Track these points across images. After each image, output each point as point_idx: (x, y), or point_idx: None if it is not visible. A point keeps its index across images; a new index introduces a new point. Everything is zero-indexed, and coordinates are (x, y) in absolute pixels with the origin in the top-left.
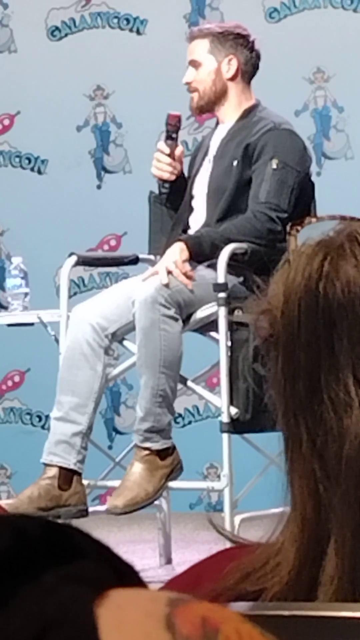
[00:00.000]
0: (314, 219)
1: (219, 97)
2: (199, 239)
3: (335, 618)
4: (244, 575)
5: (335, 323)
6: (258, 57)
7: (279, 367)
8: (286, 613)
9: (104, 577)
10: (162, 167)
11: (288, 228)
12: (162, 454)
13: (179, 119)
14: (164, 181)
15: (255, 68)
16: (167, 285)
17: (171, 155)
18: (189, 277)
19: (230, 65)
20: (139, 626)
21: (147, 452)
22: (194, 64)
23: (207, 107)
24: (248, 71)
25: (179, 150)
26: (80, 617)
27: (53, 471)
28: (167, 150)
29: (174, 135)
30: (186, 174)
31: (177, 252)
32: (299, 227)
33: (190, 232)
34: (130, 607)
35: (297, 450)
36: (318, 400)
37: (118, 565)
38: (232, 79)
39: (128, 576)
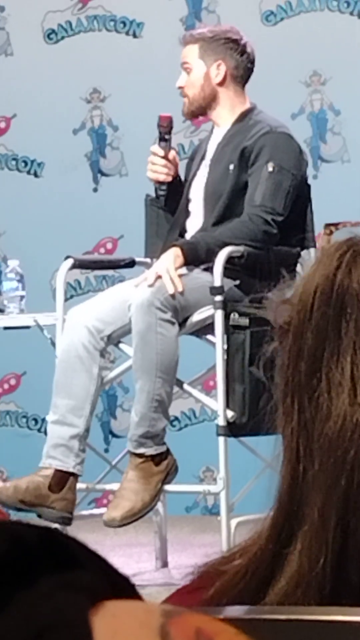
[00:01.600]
0: (349, 223)
1: (208, 102)
2: (195, 244)
3: (331, 622)
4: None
5: (346, 310)
6: (251, 60)
7: (287, 349)
8: (283, 617)
9: (100, 587)
10: (158, 170)
11: (322, 227)
12: (157, 459)
13: (170, 119)
14: (161, 183)
15: (249, 71)
16: (158, 288)
17: (165, 156)
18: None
19: (218, 70)
20: (134, 636)
21: (141, 459)
22: (186, 68)
23: (198, 112)
24: (240, 75)
25: (171, 154)
26: (75, 623)
27: (48, 472)
28: (161, 153)
29: (166, 137)
30: (183, 177)
31: (172, 258)
32: (332, 228)
33: (187, 235)
34: (125, 617)
35: (287, 427)
36: (317, 379)
37: (114, 577)
38: (221, 84)
39: (123, 588)
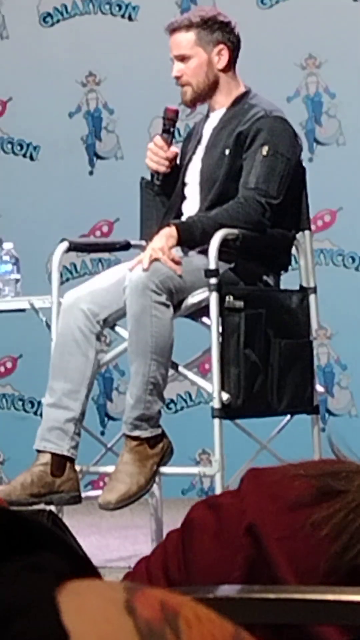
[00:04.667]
0: None
1: (212, 88)
2: (190, 225)
3: (320, 601)
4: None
5: None
6: (239, 40)
7: None
8: (272, 596)
9: (63, 568)
10: (159, 161)
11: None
12: (152, 442)
13: (177, 113)
14: (158, 173)
15: (239, 53)
16: (153, 271)
17: (167, 148)
18: (176, 263)
19: (220, 56)
20: (100, 611)
21: (136, 442)
22: (181, 58)
23: (201, 99)
24: (235, 58)
25: (171, 151)
26: (42, 604)
27: (46, 458)
28: (164, 145)
29: (171, 129)
30: (178, 161)
31: (165, 238)
32: None
33: (183, 219)
34: (90, 594)
35: None
36: None
37: (75, 558)
38: (224, 69)
39: (85, 568)
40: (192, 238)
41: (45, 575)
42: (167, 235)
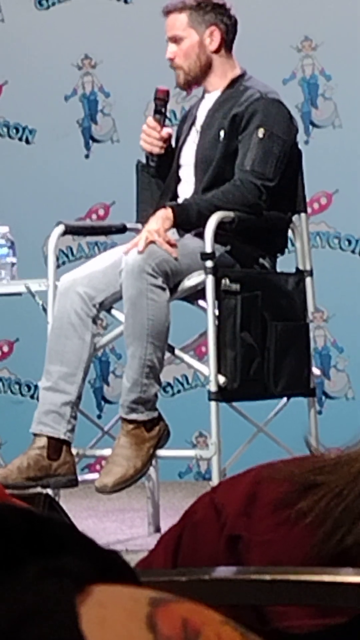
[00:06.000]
0: None
1: (204, 70)
2: (186, 207)
3: (316, 583)
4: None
5: None
6: (236, 23)
7: None
8: (268, 578)
9: (86, 572)
10: (152, 142)
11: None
12: (148, 425)
13: (167, 93)
14: (153, 155)
15: (235, 35)
16: (149, 254)
17: (160, 129)
18: (172, 245)
19: (212, 37)
20: (122, 626)
21: (133, 425)
22: (175, 39)
23: (194, 81)
24: (230, 40)
25: (165, 131)
26: (60, 608)
27: (42, 441)
28: (157, 125)
29: (162, 110)
30: (173, 143)
31: (160, 220)
32: None
33: (179, 201)
34: (112, 605)
35: None
36: None
37: (101, 558)
38: (217, 50)
39: (111, 568)
40: (187, 220)
41: (65, 579)
42: (162, 217)
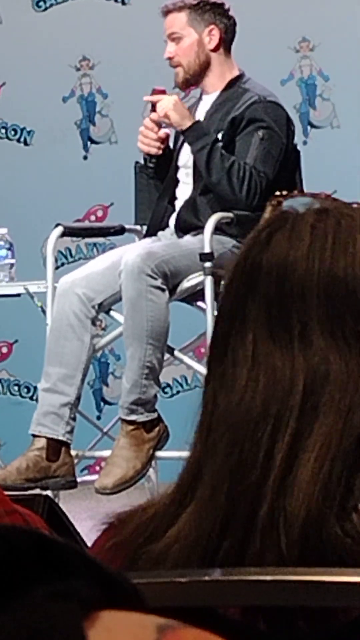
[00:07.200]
0: (296, 192)
1: (203, 69)
2: (205, 138)
3: (317, 583)
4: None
5: (255, 286)
6: (235, 24)
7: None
8: (268, 578)
9: (94, 596)
10: (150, 143)
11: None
12: (148, 426)
13: (163, 93)
14: (151, 156)
15: (234, 36)
16: (148, 255)
17: (157, 129)
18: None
19: (211, 36)
20: None
21: (132, 426)
22: (174, 38)
23: (193, 81)
24: (229, 40)
25: (162, 132)
26: (68, 632)
27: (41, 442)
28: (154, 126)
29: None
30: (171, 145)
31: (180, 115)
32: (280, 199)
33: (177, 203)
34: (120, 631)
35: (205, 393)
36: (225, 353)
37: (109, 582)
38: (215, 49)
39: (119, 592)
40: (196, 140)
41: (73, 603)
42: (183, 114)
